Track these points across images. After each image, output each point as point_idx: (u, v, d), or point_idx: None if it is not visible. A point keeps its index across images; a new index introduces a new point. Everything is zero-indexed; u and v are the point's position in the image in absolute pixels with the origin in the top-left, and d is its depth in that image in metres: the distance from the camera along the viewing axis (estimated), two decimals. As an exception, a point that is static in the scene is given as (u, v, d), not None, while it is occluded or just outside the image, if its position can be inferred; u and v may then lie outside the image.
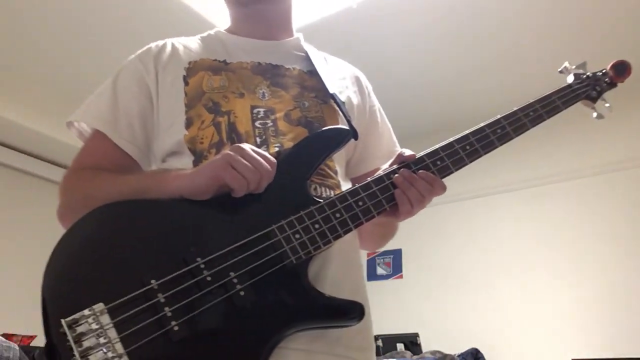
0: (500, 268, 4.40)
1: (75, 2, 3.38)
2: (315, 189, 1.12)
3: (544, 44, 3.82)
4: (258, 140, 1.12)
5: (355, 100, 1.30)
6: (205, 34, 1.34)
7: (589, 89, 1.32)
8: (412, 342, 4.09)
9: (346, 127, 1.16)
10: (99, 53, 3.81)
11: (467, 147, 1.14)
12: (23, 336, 3.46)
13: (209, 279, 0.92)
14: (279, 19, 1.35)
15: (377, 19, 3.61)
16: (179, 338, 0.86)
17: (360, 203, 1.05)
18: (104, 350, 0.81)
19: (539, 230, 4.33)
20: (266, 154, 1.01)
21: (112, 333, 0.83)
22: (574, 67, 1.35)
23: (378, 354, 3.68)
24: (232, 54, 1.27)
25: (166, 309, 0.87)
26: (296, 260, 0.97)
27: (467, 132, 1.16)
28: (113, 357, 0.81)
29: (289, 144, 1.12)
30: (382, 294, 4.71)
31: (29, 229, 4.34)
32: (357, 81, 1.37)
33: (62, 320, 0.82)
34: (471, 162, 1.14)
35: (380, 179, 1.09)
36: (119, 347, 0.83)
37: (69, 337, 0.81)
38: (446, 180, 1.11)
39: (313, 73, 1.27)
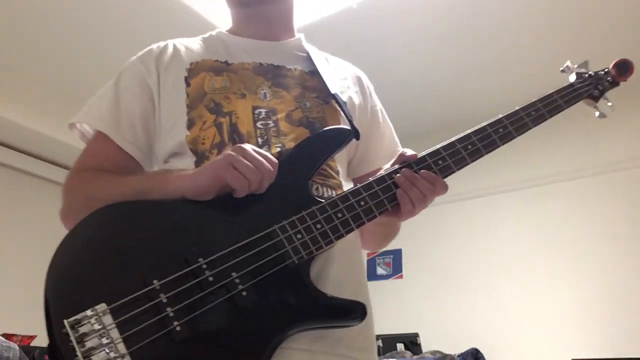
0: (501, 268, 4.40)
1: (75, 2, 3.38)
2: (316, 189, 1.12)
3: (544, 44, 3.82)
4: (260, 140, 1.12)
5: (356, 100, 1.30)
6: (206, 35, 1.34)
7: (591, 87, 1.32)
8: (412, 342, 4.10)
9: (348, 127, 1.16)
10: (98, 53, 3.81)
11: (469, 147, 1.14)
12: (23, 336, 3.46)
13: (210, 279, 0.91)
14: (281, 19, 1.35)
15: (377, 19, 3.61)
16: (181, 338, 0.86)
17: (362, 203, 1.05)
18: (107, 350, 0.81)
19: (539, 230, 4.33)
20: (267, 154, 1.02)
21: (115, 333, 0.83)
22: (576, 66, 1.34)
23: (378, 354, 3.67)
24: (233, 55, 1.27)
25: (168, 309, 0.87)
26: (298, 260, 0.97)
27: (469, 131, 1.16)
28: (115, 358, 0.81)
29: (290, 145, 1.12)
30: (382, 294, 4.70)
31: (29, 229, 4.34)
32: (359, 81, 1.37)
33: (65, 321, 0.82)
34: (473, 161, 1.14)
35: (382, 179, 1.09)
36: (122, 348, 0.82)
37: (72, 338, 0.81)
38: (446, 180, 1.11)
39: (314, 73, 1.27)
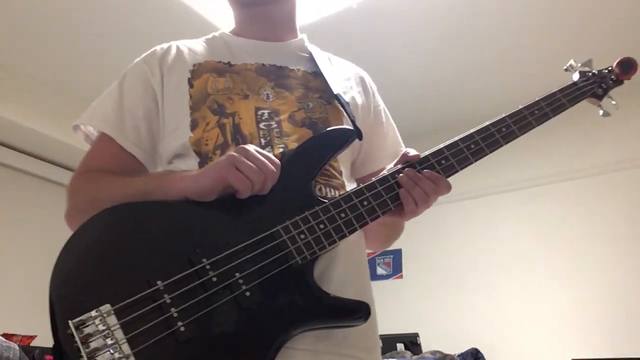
0: (500, 268, 4.40)
1: (75, 2, 3.37)
2: (320, 189, 1.12)
3: (544, 44, 3.82)
4: (262, 141, 1.12)
5: (359, 100, 1.31)
6: (209, 36, 1.35)
7: (595, 86, 1.31)
8: (412, 342, 4.09)
9: (350, 127, 1.16)
10: (98, 53, 3.81)
11: (472, 146, 1.14)
12: (23, 336, 3.45)
13: (214, 279, 0.92)
14: (283, 19, 1.35)
15: (377, 19, 3.61)
16: (185, 338, 0.87)
17: (365, 203, 1.06)
18: (111, 351, 0.82)
19: (538, 230, 4.33)
20: (270, 155, 1.02)
21: (119, 334, 0.83)
22: (579, 64, 1.34)
23: (378, 354, 3.67)
24: (236, 56, 1.27)
25: (172, 309, 0.88)
26: (301, 260, 0.98)
27: (471, 131, 1.16)
28: (120, 358, 0.82)
29: (293, 145, 1.12)
30: (382, 294, 4.70)
31: (29, 229, 4.34)
32: (362, 81, 1.37)
33: (70, 322, 0.82)
34: (476, 161, 1.14)
35: (384, 179, 1.09)
36: (126, 348, 0.83)
37: (77, 338, 0.81)
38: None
39: (317, 74, 1.27)
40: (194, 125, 1.15)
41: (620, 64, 1.34)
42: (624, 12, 3.51)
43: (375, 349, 1.13)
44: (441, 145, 1.14)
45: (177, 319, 0.87)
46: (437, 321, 4.47)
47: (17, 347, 2.26)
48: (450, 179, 1.12)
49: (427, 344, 4.13)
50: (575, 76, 1.32)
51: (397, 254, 4.92)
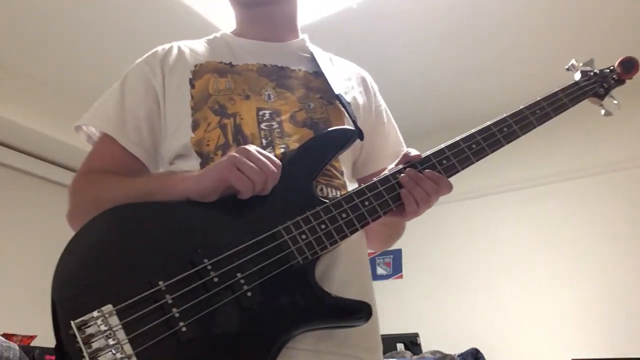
0: (501, 268, 4.40)
1: (75, 2, 3.37)
2: (321, 189, 1.12)
3: (544, 44, 3.82)
4: (264, 142, 1.12)
5: (360, 100, 1.30)
6: (211, 37, 1.35)
7: (597, 86, 1.31)
8: (412, 342, 4.09)
9: (352, 127, 1.16)
10: (98, 53, 3.81)
11: (474, 146, 1.14)
12: (23, 336, 3.45)
13: (216, 280, 0.92)
14: (284, 20, 1.35)
15: (377, 19, 3.61)
16: (187, 339, 0.87)
17: (367, 203, 1.06)
18: (113, 351, 0.82)
19: (539, 230, 4.34)
20: (271, 155, 1.02)
21: (121, 334, 0.84)
22: (581, 64, 1.34)
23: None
24: (237, 56, 1.27)
25: (174, 309, 0.88)
26: (303, 260, 0.98)
27: (473, 130, 1.16)
28: (122, 358, 0.82)
29: (294, 146, 1.12)
30: (382, 294, 4.69)
31: (28, 229, 4.34)
32: (363, 81, 1.37)
33: (72, 322, 0.82)
34: (477, 160, 1.14)
35: (386, 179, 1.09)
36: (128, 348, 0.83)
37: (79, 339, 0.81)
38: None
39: (319, 74, 1.27)
40: (195, 126, 1.15)
41: (622, 63, 1.34)
42: (624, 12, 3.51)
43: (377, 349, 1.13)
44: (442, 145, 1.13)
45: (179, 319, 0.87)
46: (437, 321, 4.47)
47: (17, 347, 2.25)
48: (451, 179, 1.11)
49: (427, 344, 4.13)
50: (577, 76, 1.32)
51: (397, 254, 4.92)
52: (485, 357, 4.00)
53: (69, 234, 0.97)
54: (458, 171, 1.12)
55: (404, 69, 4.15)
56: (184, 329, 0.87)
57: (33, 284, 3.77)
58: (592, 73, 1.33)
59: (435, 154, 1.12)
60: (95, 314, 0.84)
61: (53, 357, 3.27)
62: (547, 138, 4.10)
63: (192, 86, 1.20)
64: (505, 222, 4.51)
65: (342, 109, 1.22)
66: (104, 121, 1.21)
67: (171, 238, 0.95)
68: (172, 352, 0.86)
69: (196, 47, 1.29)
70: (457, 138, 1.15)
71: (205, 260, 0.93)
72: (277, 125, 1.15)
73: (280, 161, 1.03)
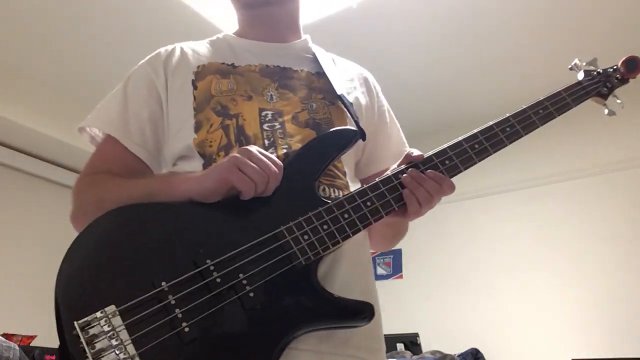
0: (501, 268, 4.40)
1: (75, 2, 3.37)
2: (323, 190, 1.12)
3: (544, 44, 3.82)
4: (266, 142, 1.12)
5: (363, 100, 1.30)
6: (213, 38, 1.35)
7: (600, 85, 1.31)
8: (412, 342, 4.10)
9: (354, 128, 1.16)
10: (98, 53, 3.81)
11: (476, 146, 1.14)
12: (23, 336, 3.45)
13: (218, 280, 0.92)
14: (287, 20, 1.35)
15: (377, 19, 3.61)
16: (190, 339, 0.87)
17: (369, 203, 1.05)
18: (116, 352, 0.82)
19: (539, 230, 4.34)
20: (273, 156, 1.02)
21: (124, 335, 0.84)
22: (584, 63, 1.34)
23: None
24: (240, 57, 1.27)
25: (177, 310, 0.88)
26: (305, 261, 0.98)
27: (475, 130, 1.15)
28: (125, 359, 0.82)
29: (296, 146, 1.12)
30: (382, 294, 4.64)
31: (28, 229, 4.34)
32: (366, 82, 1.37)
33: (75, 323, 0.83)
34: (480, 160, 1.13)
35: (388, 179, 1.09)
36: (131, 349, 0.83)
37: (82, 339, 0.82)
38: (448, 179, 1.11)
39: (321, 74, 1.27)
40: (197, 127, 1.16)
41: (625, 62, 1.34)
42: (624, 12, 3.52)
43: (380, 350, 1.13)
44: (445, 146, 1.13)
45: (182, 319, 0.87)
46: (437, 321, 4.47)
47: (17, 347, 2.25)
48: (452, 179, 1.11)
49: (427, 344, 4.14)
50: (580, 75, 1.32)
51: (397, 254, 4.92)
52: (485, 357, 4.00)
53: (68, 234, 0.98)
54: (461, 171, 1.12)
55: (404, 69, 4.15)
56: (186, 329, 0.87)
57: (33, 284, 3.77)
58: (595, 72, 1.32)
59: (437, 154, 1.12)
60: (98, 314, 0.84)
61: (53, 357, 3.26)
62: (547, 138, 4.09)
63: (195, 87, 1.20)
64: (505, 222, 4.51)
65: (345, 109, 1.22)
66: (107, 123, 1.22)
67: (174, 239, 0.95)
68: (174, 352, 0.86)
69: (199, 48, 1.29)
70: (460, 138, 1.14)
71: (208, 261, 0.93)
72: (279, 126, 1.15)
73: (283, 162, 1.04)
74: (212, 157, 1.12)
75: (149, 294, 0.87)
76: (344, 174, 1.19)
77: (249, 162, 0.98)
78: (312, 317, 0.96)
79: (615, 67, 1.34)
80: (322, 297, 0.98)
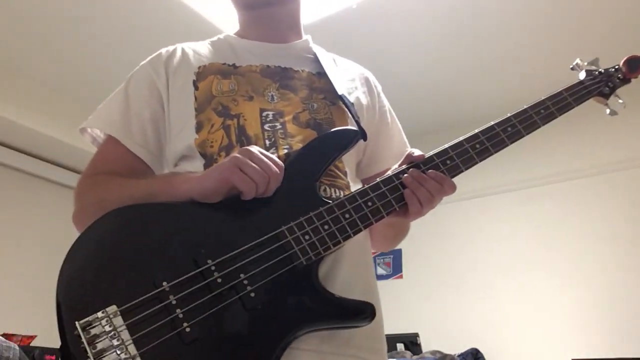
0: (500, 268, 4.40)
1: (75, 2, 3.37)
2: (324, 190, 1.12)
3: (544, 44, 3.82)
4: (267, 142, 1.12)
5: (364, 101, 1.30)
6: (214, 38, 1.35)
7: (602, 85, 1.30)
8: (412, 342, 4.09)
9: (355, 128, 1.16)
10: (98, 53, 3.81)
11: (477, 146, 1.13)
12: (23, 336, 3.45)
13: (219, 280, 0.92)
14: (288, 21, 1.35)
15: (377, 19, 3.61)
16: (191, 339, 0.87)
17: (370, 203, 1.05)
18: (118, 352, 0.82)
19: (538, 230, 4.34)
20: (274, 156, 1.02)
21: (125, 335, 0.84)
22: (586, 63, 1.34)
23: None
24: (241, 58, 1.27)
25: (178, 310, 0.88)
26: (306, 261, 0.97)
27: (476, 130, 1.15)
28: (126, 359, 0.82)
29: (298, 146, 1.12)
30: (382, 294, 4.64)
31: (28, 229, 4.34)
32: (367, 82, 1.37)
33: (77, 323, 0.83)
34: (481, 160, 1.13)
35: (389, 179, 1.09)
36: (132, 349, 0.83)
37: (83, 339, 0.82)
38: (449, 180, 1.11)
39: (322, 75, 1.27)
40: (199, 127, 1.16)
41: (627, 62, 1.33)
42: (624, 12, 3.52)
43: (381, 351, 1.13)
44: (446, 145, 1.13)
45: (183, 319, 0.87)
46: (437, 321, 4.47)
47: (17, 347, 2.25)
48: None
49: (427, 344, 4.14)
50: (582, 75, 1.31)
51: (397, 254, 4.92)
52: (485, 357, 4.00)
53: (69, 234, 0.98)
54: (462, 171, 1.12)
55: (404, 69, 4.15)
56: (187, 329, 0.87)
57: (33, 284, 3.77)
58: (597, 72, 1.32)
59: (438, 154, 1.12)
60: (99, 314, 0.84)
61: (53, 357, 3.26)
62: (546, 138, 4.08)
63: (196, 88, 1.20)
64: (505, 223, 4.51)
65: (346, 109, 1.22)
66: (108, 123, 1.22)
67: (175, 239, 0.95)
68: (176, 352, 0.86)
69: (200, 48, 1.30)
70: (461, 138, 1.14)
71: (209, 261, 0.93)
72: (280, 126, 1.15)
73: (284, 162, 1.04)
74: (213, 158, 1.12)
75: (150, 294, 0.87)
76: (345, 174, 1.19)
77: (250, 162, 0.98)
78: (313, 317, 0.96)
79: (617, 66, 1.34)
80: (323, 297, 0.98)
